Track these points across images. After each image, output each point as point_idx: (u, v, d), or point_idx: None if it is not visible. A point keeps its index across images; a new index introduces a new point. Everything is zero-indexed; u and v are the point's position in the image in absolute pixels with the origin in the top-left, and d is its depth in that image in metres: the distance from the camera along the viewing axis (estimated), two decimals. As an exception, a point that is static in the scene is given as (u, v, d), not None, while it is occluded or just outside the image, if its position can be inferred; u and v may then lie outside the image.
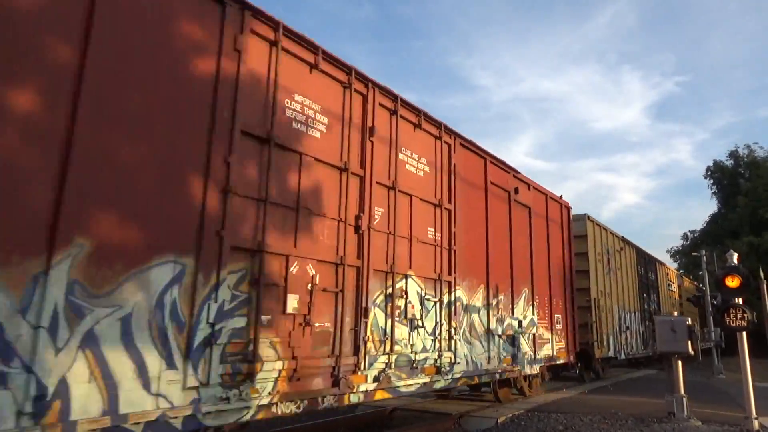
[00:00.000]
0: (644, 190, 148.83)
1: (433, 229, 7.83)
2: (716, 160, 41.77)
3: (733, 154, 40.49)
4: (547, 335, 11.04)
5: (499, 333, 9.14)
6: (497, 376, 8.98)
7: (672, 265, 40.39)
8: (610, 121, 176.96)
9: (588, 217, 14.88)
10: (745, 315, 8.32)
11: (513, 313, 9.69)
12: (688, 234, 45.82)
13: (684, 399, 8.86)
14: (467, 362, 8.16)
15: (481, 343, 8.62)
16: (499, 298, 9.32)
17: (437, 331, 7.52)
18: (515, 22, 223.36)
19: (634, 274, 18.81)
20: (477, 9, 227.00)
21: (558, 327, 11.69)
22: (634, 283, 18.77)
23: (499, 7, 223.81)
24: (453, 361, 7.76)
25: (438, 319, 7.57)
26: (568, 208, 13.05)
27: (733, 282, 8.53)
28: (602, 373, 15.58)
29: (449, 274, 7.98)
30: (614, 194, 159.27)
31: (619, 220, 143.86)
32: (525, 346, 10.00)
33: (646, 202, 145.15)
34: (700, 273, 22.79)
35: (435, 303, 7.57)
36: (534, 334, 10.37)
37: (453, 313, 7.92)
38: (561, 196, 12.65)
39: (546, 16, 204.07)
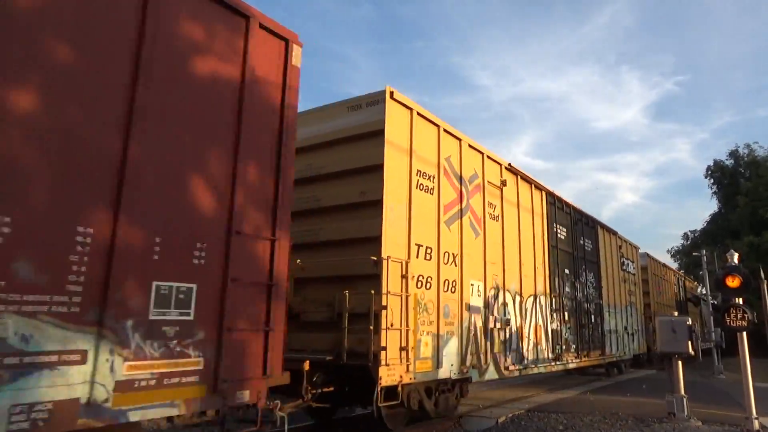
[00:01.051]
0: (644, 189, 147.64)
1: None
2: (716, 159, 41.57)
3: (734, 154, 40.17)
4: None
5: None
6: None
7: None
8: (610, 120, 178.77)
9: (392, 94, 7.29)
10: (746, 315, 8.20)
11: None
12: (689, 234, 45.09)
13: (684, 399, 8.80)
14: None
15: None
16: None
17: None
18: (515, 23, 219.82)
19: (539, 232, 11.23)
20: (477, 9, 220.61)
21: (169, 317, 4.23)
22: (540, 246, 11.20)
23: (499, 7, 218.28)
24: None
25: None
26: (285, 40, 5.54)
27: (733, 282, 8.35)
28: (435, 412, 7.99)
29: None
30: (614, 194, 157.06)
31: (620, 219, 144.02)
32: None
33: (645, 201, 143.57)
34: (701, 273, 23.28)
35: None
36: None
37: None
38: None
39: (545, 16, 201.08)
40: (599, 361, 13.92)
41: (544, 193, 11.72)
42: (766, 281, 8.89)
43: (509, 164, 10.24)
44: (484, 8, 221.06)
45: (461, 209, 8.51)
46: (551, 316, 11.21)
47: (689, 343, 8.83)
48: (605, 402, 10.72)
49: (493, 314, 9.00)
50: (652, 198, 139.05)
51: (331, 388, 7.31)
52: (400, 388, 6.72)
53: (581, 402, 10.72)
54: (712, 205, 59.41)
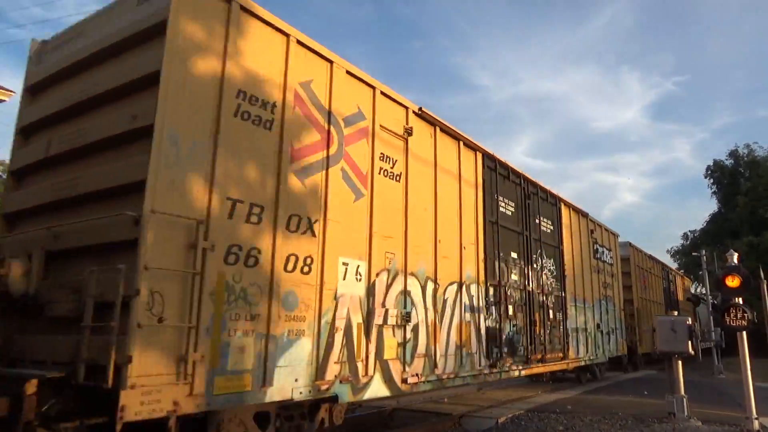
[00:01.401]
0: (644, 189, 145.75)
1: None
2: (716, 159, 41.35)
3: (733, 154, 39.96)
4: None
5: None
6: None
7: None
8: (610, 120, 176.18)
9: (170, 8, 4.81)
10: (745, 315, 8.18)
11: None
12: (688, 234, 44.39)
13: (684, 399, 8.78)
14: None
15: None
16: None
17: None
18: (515, 23, 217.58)
19: (470, 202, 8.72)
20: (477, 9, 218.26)
21: None
22: (472, 221, 8.68)
23: (499, 7, 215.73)
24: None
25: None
26: None
27: (733, 282, 8.37)
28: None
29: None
30: (614, 194, 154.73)
31: (620, 219, 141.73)
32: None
33: (646, 201, 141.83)
34: (701, 273, 23.60)
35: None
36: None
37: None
38: None
39: (545, 16, 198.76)
40: (560, 366, 11.38)
41: (479, 155, 9.21)
42: (765, 281, 8.88)
43: (420, 109, 7.75)
44: (484, 8, 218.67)
45: (328, 156, 6.00)
46: (486, 310, 8.69)
47: (689, 342, 8.82)
48: (605, 402, 10.84)
49: (383, 306, 6.48)
50: (652, 198, 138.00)
51: (103, 419, 4.84)
52: (173, 424, 4.20)
53: (581, 402, 10.75)
54: (712, 205, 59.53)
